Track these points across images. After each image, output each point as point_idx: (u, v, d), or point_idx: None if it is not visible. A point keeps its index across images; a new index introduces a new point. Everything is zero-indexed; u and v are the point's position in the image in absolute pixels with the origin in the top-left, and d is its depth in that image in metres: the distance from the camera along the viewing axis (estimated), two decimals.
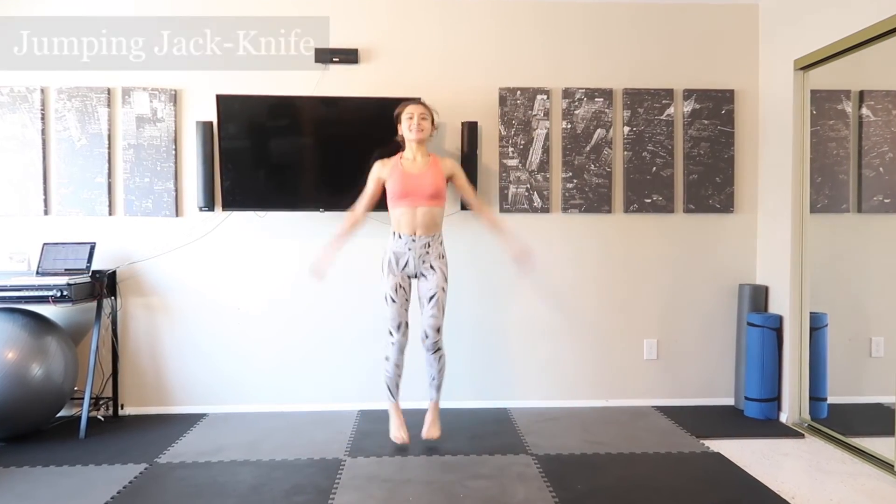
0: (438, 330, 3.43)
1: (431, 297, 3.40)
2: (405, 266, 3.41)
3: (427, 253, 3.40)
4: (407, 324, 3.44)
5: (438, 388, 3.54)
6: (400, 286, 3.41)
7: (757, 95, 4.23)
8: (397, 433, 3.46)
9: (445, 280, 3.44)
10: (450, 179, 3.50)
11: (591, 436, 3.64)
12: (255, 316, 4.12)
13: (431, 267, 3.41)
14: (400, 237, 3.40)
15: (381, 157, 3.52)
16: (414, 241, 3.38)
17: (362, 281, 4.06)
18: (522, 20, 4.15)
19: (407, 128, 3.40)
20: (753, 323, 3.98)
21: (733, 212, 4.23)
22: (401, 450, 3.42)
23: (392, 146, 3.54)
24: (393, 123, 3.50)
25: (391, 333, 3.43)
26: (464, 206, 3.96)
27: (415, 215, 3.37)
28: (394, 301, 3.40)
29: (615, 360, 4.24)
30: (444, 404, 3.88)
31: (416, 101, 3.50)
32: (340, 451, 3.42)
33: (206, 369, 4.11)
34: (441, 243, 3.47)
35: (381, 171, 3.46)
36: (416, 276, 3.45)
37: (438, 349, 3.45)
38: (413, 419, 3.57)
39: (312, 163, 4.00)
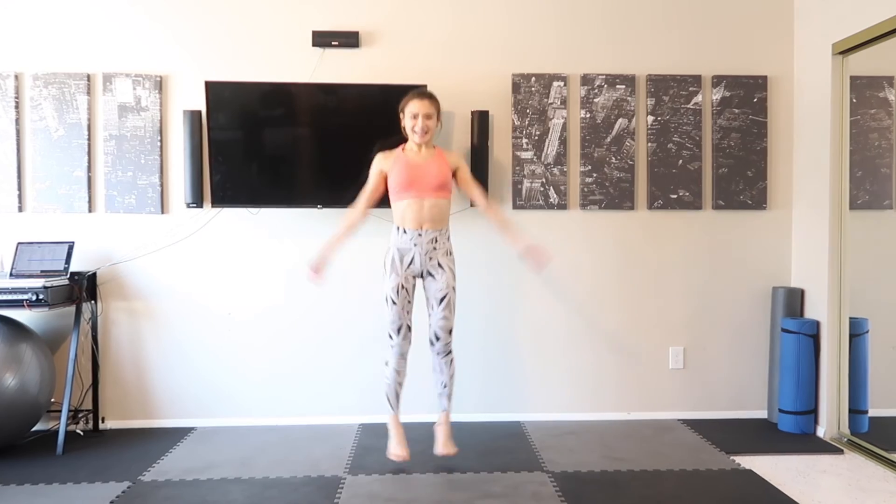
0: (450, 332, 3.44)
1: (442, 299, 3.41)
2: (410, 264, 3.40)
3: (434, 249, 3.41)
4: (409, 327, 3.44)
5: (450, 398, 3.54)
6: (402, 286, 3.40)
7: (792, 82, 4.22)
8: (396, 450, 3.43)
9: (455, 279, 3.46)
10: (454, 173, 3.49)
11: (612, 451, 3.64)
12: (248, 322, 4.12)
13: (440, 265, 3.41)
14: (405, 232, 3.39)
15: (383, 149, 3.52)
16: (420, 235, 3.38)
17: (363, 284, 4.06)
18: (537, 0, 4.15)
19: (410, 128, 3.40)
20: (788, 329, 3.97)
21: (766, 208, 4.22)
22: (405, 467, 3.42)
23: (395, 138, 3.53)
24: (396, 113, 3.48)
25: (391, 337, 3.43)
26: (473, 203, 3.96)
27: (422, 207, 3.36)
28: (394, 303, 3.39)
29: (638, 369, 4.23)
30: (452, 417, 3.88)
31: (422, 92, 3.46)
32: (340, 468, 3.42)
33: (193, 380, 4.11)
34: (448, 239, 3.47)
35: (382, 164, 3.45)
36: (421, 276, 3.45)
37: (449, 352, 3.47)
38: (416, 433, 3.59)
39: (310, 155, 4.00)
